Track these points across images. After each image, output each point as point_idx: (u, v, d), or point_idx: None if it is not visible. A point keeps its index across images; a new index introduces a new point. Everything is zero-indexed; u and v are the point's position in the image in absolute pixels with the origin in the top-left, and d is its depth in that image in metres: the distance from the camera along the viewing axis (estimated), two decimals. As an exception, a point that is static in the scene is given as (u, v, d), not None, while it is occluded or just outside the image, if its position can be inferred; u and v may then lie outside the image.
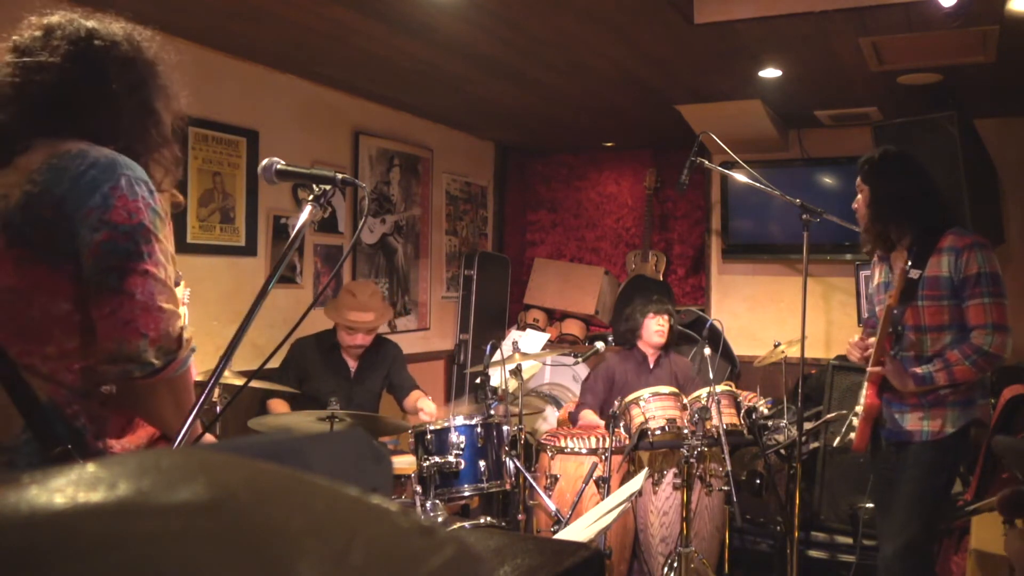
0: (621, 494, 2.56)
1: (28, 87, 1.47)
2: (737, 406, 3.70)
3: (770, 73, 4.15)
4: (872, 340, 2.86)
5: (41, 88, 1.47)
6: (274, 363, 3.88)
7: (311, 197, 1.65)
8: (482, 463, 3.32)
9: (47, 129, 1.48)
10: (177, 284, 2.36)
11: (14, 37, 1.51)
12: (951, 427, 2.74)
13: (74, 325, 1.42)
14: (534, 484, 3.50)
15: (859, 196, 2.95)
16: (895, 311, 2.80)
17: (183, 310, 2.23)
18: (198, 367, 3.81)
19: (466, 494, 3.36)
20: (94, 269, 1.39)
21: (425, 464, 3.26)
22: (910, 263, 2.75)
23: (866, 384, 2.88)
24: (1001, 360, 2.71)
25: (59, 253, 1.40)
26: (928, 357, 2.77)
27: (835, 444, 3.44)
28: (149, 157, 1.57)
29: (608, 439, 3.67)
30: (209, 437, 1.74)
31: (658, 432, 3.58)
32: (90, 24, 1.54)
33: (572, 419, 4.34)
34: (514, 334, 5.23)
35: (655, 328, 4.25)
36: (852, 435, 2.97)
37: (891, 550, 2.79)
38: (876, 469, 3.00)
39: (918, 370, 2.74)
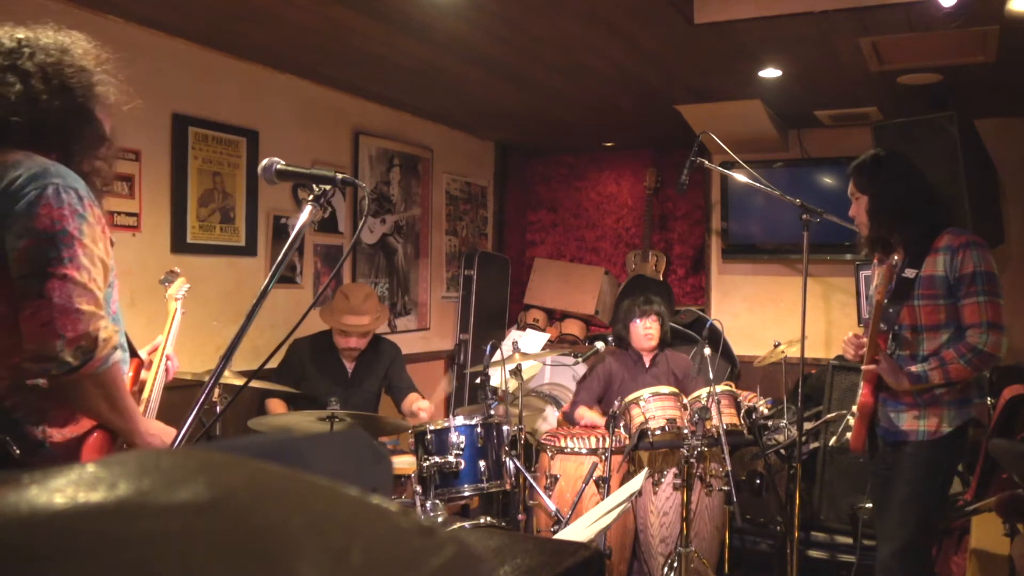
0: (621, 494, 2.56)
1: None
2: (737, 406, 3.70)
3: (770, 73, 4.15)
4: (865, 339, 2.86)
5: None
6: (272, 363, 3.89)
7: (311, 197, 1.66)
8: (482, 463, 3.32)
9: None
10: (172, 281, 2.38)
11: None
12: (947, 426, 2.74)
13: (8, 324, 1.52)
14: (534, 484, 3.50)
15: (855, 203, 2.93)
16: (890, 310, 2.80)
17: (175, 305, 2.27)
18: (199, 367, 3.81)
19: (466, 494, 3.36)
20: (19, 273, 1.50)
21: (425, 464, 3.26)
22: (896, 260, 2.77)
23: (862, 383, 2.88)
24: (996, 359, 2.70)
25: None
26: (924, 356, 2.77)
27: (832, 444, 3.44)
28: (87, 155, 1.66)
29: (608, 439, 3.67)
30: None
31: (658, 432, 3.58)
32: (20, 35, 1.64)
33: (568, 419, 4.34)
34: (514, 334, 5.23)
35: (643, 332, 4.25)
36: (849, 435, 2.97)
37: (889, 551, 2.79)
38: (874, 469, 3.00)
39: (913, 368, 2.74)
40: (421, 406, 3.87)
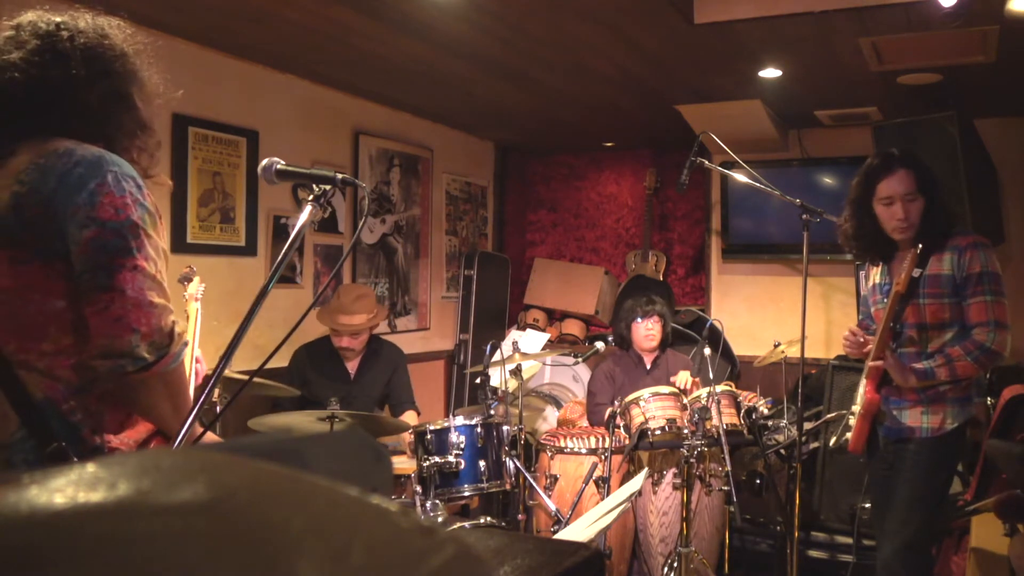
0: (621, 494, 2.56)
1: (3, 87, 1.48)
2: (737, 406, 3.70)
3: (770, 73, 4.15)
4: (869, 337, 2.86)
5: (15, 86, 1.47)
6: (275, 362, 3.87)
7: (311, 197, 1.65)
8: (482, 463, 3.32)
9: (29, 130, 1.48)
10: (190, 280, 2.35)
11: None
12: (951, 424, 2.75)
13: (68, 322, 1.42)
14: (534, 484, 3.50)
15: (909, 204, 2.76)
16: (896, 307, 2.80)
17: (195, 306, 2.23)
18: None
19: (466, 494, 3.36)
20: (84, 266, 1.40)
21: (425, 464, 3.26)
22: (919, 248, 2.73)
23: (864, 380, 2.88)
24: (1002, 358, 2.72)
25: (50, 251, 1.41)
26: (928, 354, 2.78)
27: (831, 444, 3.43)
28: (130, 143, 1.58)
29: (608, 439, 3.67)
30: (212, 436, 1.73)
31: (658, 432, 3.58)
32: (57, 19, 1.55)
33: (595, 423, 4.29)
34: (514, 334, 5.23)
35: (644, 333, 4.25)
36: (848, 435, 2.97)
37: (891, 549, 2.79)
38: (873, 470, 3.00)
39: (919, 365, 2.75)
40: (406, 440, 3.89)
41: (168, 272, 1.53)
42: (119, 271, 1.40)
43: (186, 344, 1.50)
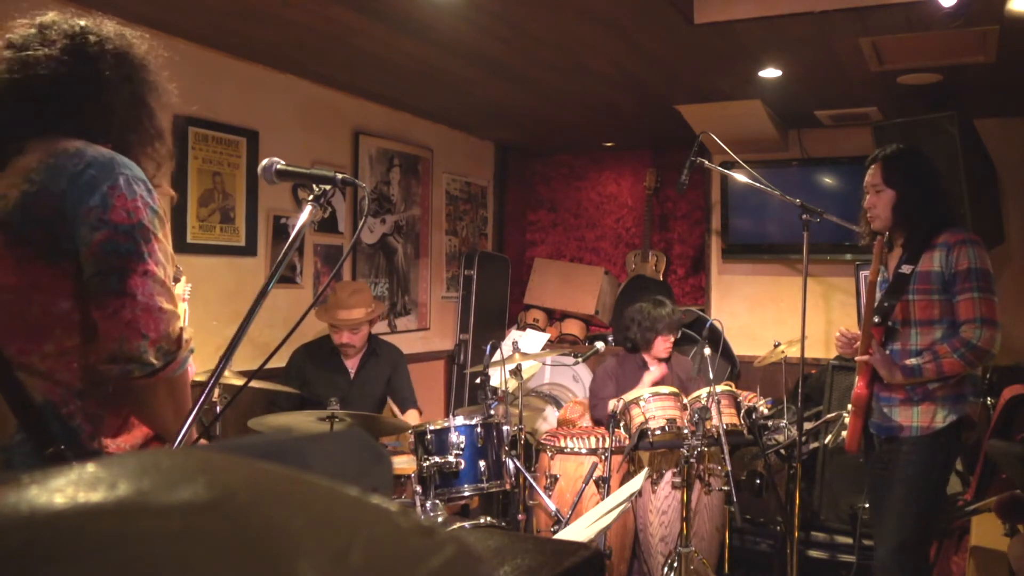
0: (621, 494, 2.56)
1: (26, 82, 1.47)
2: (737, 406, 3.70)
3: (770, 73, 4.15)
4: (858, 334, 2.87)
5: (39, 81, 1.47)
6: (272, 364, 3.88)
7: (311, 197, 1.65)
8: (482, 463, 3.32)
9: (42, 127, 1.48)
10: (177, 280, 2.35)
11: (7, 35, 1.51)
12: (941, 421, 2.75)
13: (74, 323, 1.42)
14: (534, 484, 3.50)
15: (876, 196, 2.86)
16: (885, 304, 2.81)
17: (183, 306, 2.23)
18: (198, 367, 3.80)
19: (466, 494, 3.36)
20: (95, 269, 1.40)
21: (425, 464, 3.26)
22: (886, 236, 2.78)
23: (857, 377, 2.89)
24: (990, 355, 2.72)
25: (58, 252, 1.41)
26: (917, 351, 2.78)
27: (828, 443, 3.44)
28: (142, 150, 1.58)
29: (608, 439, 3.67)
30: (203, 443, 1.74)
31: (658, 432, 3.58)
32: (83, 22, 1.55)
33: (597, 418, 4.27)
34: (514, 334, 5.23)
35: (663, 346, 4.24)
36: (844, 434, 2.98)
37: (887, 550, 2.80)
38: (870, 469, 3.00)
39: (907, 362, 2.76)
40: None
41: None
42: (130, 275, 1.40)
43: (192, 350, 1.50)
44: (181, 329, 1.47)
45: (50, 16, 1.54)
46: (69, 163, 1.42)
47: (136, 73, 1.57)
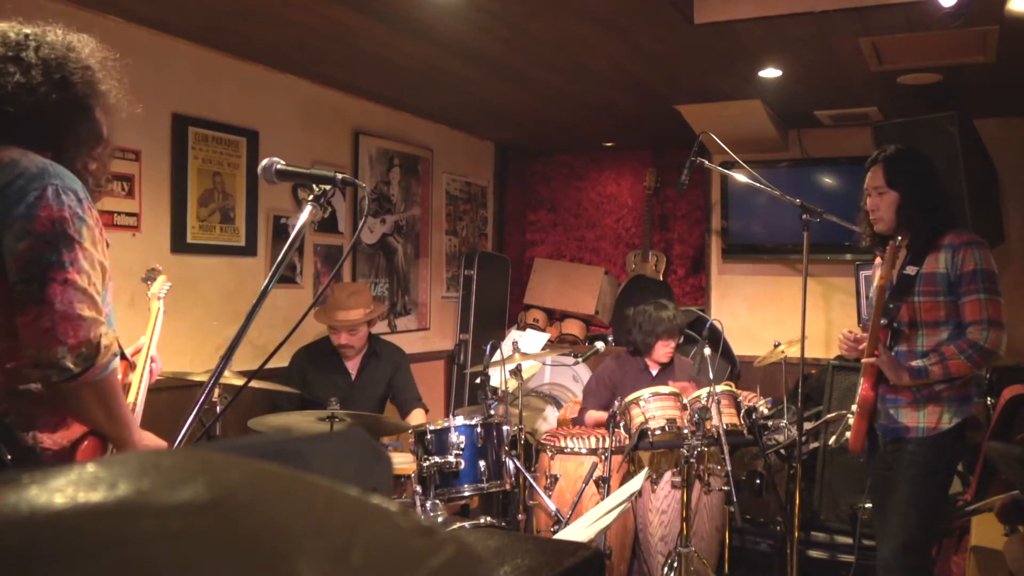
0: (621, 494, 2.56)
1: None
2: (737, 406, 3.70)
3: (770, 73, 4.15)
4: (864, 335, 2.86)
5: None
6: (271, 364, 3.88)
7: (311, 197, 1.65)
8: (482, 463, 3.32)
9: None
10: (153, 279, 2.36)
11: None
12: (947, 423, 2.74)
13: (4, 330, 1.47)
14: (534, 484, 3.50)
15: (879, 198, 2.84)
16: (891, 305, 2.80)
17: (157, 304, 2.25)
18: (199, 367, 3.81)
19: (466, 494, 3.36)
20: (17, 277, 1.45)
21: (425, 464, 3.26)
22: (900, 241, 2.77)
23: (861, 379, 2.88)
24: (996, 356, 2.72)
25: None
26: (923, 352, 2.78)
27: (831, 443, 3.44)
28: (82, 153, 1.61)
29: (608, 439, 3.67)
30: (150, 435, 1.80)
31: (658, 432, 3.58)
32: (28, 30, 1.60)
33: (576, 422, 4.33)
34: (514, 334, 5.23)
35: (664, 351, 4.23)
36: (848, 434, 2.97)
37: (890, 549, 2.80)
38: (873, 470, 3.00)
39: (914, 363, 2.75)
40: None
41: (108, 281, 1.58)
42: (50, 284, 1.45)
43: (115, 355, 1.55)
44: (102, 335, 1.51)
45: (1, 26, 1.58)
46: (2, 174, 1.47)
47: (73, 77, 1.59)
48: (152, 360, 2.03)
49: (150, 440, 1.73)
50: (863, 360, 2.83)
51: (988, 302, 2.69)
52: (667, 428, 3.58)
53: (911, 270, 2.78)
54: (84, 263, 1.49)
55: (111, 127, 1.71)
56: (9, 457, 1.48)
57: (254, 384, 2.61)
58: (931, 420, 2.76)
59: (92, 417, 1.55)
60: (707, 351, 3.81)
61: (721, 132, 3.76)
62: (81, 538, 0.28)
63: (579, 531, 2.33)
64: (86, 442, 1.58)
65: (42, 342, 1.44)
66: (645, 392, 3.70)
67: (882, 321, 2.81)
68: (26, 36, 1.57)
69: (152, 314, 2.23)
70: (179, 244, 3.75)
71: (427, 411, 4.18)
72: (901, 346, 2.83)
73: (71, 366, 1.45)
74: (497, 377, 3.75)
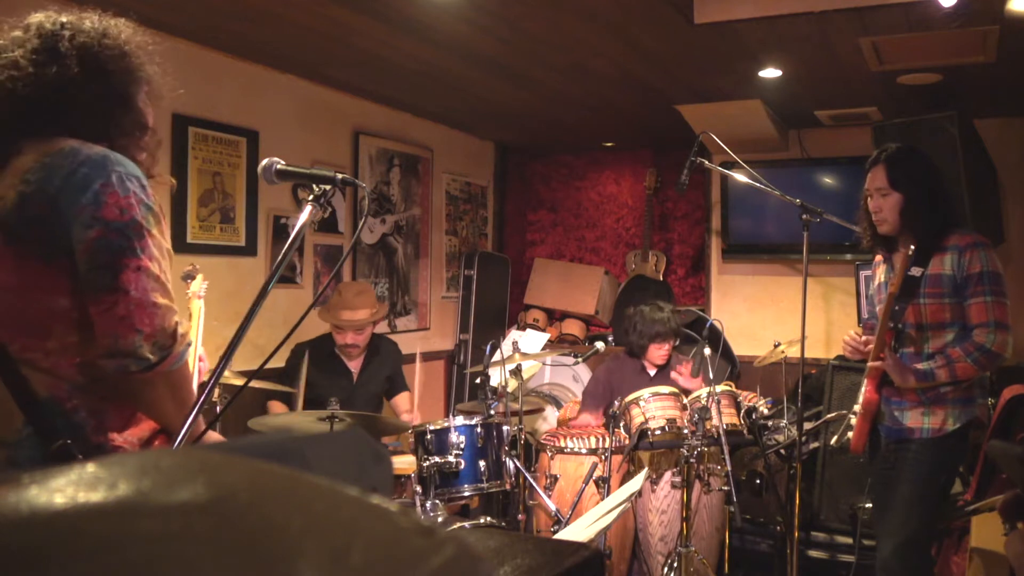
0: (621, 494, 2.56)
1: (6, 84, 1.48)
2: (737, 406, 3.70)
3: (770, 73, 4.15)
4: (869, 338, 2.86)
5: (15, 83, 1.48)
6: (272, 364, 3.89)
7: (311, 197, 1.65)
8: (482, 463, 3.32)
9: (34, 129, 1.49)
10: (193, 277, 2.35)
11: None
12: (952, 425, 2.74)
13: (72, 320, 1.43)
14: (534, 484, 3.50)
15: (882, 200, 2.82)
16: (896, 307, 2.79)
17: (199, 304, 2.23)
18: (198, 367, 3.75)
19: (466, 494, 3.36)
20: (88, 266, 1.41)
21: (425, 464, 3.26)
22: (912, 249, 2.74)
23: (865, 380, 2.88)
24: (1002, 358, 2.71)
25: (55, 250, 1.42)
26: (928, 354, 2.77)
27: (832, 444, 3.44)
28: (130, 143, 1.58)
29: (608, 439, 3.67)
30: (213, 434, 1.73)
31: (658, 432, 3.58)
32: (63, 19, 1.56)
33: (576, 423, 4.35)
34: (514, 334, 5.23)
35: (659, 353, 4.24)
36: (850, 434, 2.97)
37: (890, 548, 2.79)
38: (875, 469, 2.99)
39: (919, 366, 2.74)
40: (402, 405, 4.10)
41: (172, 271, 1.54)
42: (123, 271, 1.41)
43: (189, 344, 1.51)
44: (177, 323, 1.47)
45: (38, 16, 1.55)
46: (63, 162, 1.43)
47: (109, 66, 1.56)
48: (200, 359, 2.01)
49: (212, 436, 1.70)
50: (868, 363, 2.82)
51: (994, 304, 2.68)
52: (667, 428, 3.58)
53: (916, 271, 2.77)
54: (154, 249, 1.46)
55: (153, 115, 1.68)
56: (80, 457, 1.41)
57: (254, 384, 2.60)
58: (936, 422, 2.75)
59: (164, 410, 1.50)
60: (707, 351, 3.81)
61: (721, 132, 3.76)
62: (81, 538, 0.28)
63: (579, 531, 2.33)
64: (157, 440, 1.54)
65: (118, 330, 1.39)
66: (645, 392, 3.70)
67: (890, 325, 2.80)
68: (61, 25, 1.54)
69: (195, 313, 2.21)
70: (179, 244, 3.75)
71: (411, 392, 4.21)
72: (906, 348, 2.82)
73: (148, 355, 1.40)
74: (497, 377, 3.75)
